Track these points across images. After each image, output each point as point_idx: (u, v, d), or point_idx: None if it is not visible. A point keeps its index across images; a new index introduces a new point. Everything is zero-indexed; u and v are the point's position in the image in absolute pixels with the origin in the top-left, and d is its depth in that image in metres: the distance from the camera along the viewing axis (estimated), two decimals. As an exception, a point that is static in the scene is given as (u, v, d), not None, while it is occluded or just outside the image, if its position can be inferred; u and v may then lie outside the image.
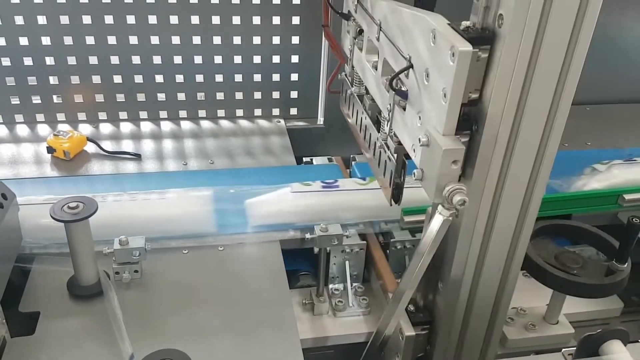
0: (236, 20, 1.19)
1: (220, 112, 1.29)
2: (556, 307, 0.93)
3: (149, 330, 0.79)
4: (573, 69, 0.62)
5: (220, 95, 1.27)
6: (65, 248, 0.81)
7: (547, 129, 0.66)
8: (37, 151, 1.15)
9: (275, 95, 1.30)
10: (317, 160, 1.24)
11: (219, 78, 1.25)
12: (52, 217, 0.75)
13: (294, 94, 1.30)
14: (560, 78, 0.63)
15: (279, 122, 1.31)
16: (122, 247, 0.83)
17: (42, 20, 1.13)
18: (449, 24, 0.63)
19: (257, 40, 1.22)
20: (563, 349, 0.80)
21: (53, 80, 1.19)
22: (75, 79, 1.20)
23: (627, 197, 1.04)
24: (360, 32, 0.94)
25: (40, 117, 1.23)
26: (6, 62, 1.15)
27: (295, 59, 1.26)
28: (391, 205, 0.85)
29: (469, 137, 0.66)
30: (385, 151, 0.84)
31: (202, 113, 1.29)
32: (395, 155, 0.80)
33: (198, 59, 1.22)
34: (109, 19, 1.14)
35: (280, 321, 0.81)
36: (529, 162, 0.68)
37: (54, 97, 1.21)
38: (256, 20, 1.20)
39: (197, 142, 1.22)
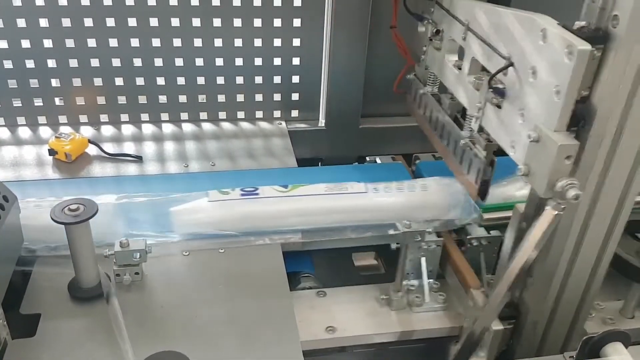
0: (237, 22, 1.19)
1: (222, 114, 1.30)
2: (632, 302, 0.94)
3: (149, 332, 0.79)
4: None
5: (221, 98, 1.27)
6: (66, 250, 0.81)
7: None
8: (38, 153, 1.15)
9: (277, 97, 1.30)
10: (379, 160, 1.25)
11: (220, 80, 1.25)
12: (52, 219, 0.76)
13: (295, 96, 1.30)
14: None
15: (281, 124, 1.31)
16: (123, 249, 0.83)
17: (44, 23, 1.13)
18: (558, 24, 0.66)
19: (258, 42, 1.22)
20: (564, 352, 0.79)
21: (55, 82, 1.20)
22: (77, 82, 1.20)
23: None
24: (437, 32, 0.96)
25: (42, 119, 1.23)
26: (8, 64, 1.16)
27: (296, 61, 1.26)
28: (476, 201, 0.88)
29: (575, 134, 0.67)
30: (471, 148, 0.87)
31: (203, 115, 1.29)
32: (485, 152, 0.83)
33: (199, 61, 1.22)
34: (110, 22, 1.15)
35: (281, 323, 0.81)
36: (629, 161, 0.70)
37: (56, 99, 1.22)
38: (257, 22, 1.20)
39: (198, 144, 1.23)
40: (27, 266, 0.87)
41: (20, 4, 1.10)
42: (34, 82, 1.19)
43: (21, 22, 1.12)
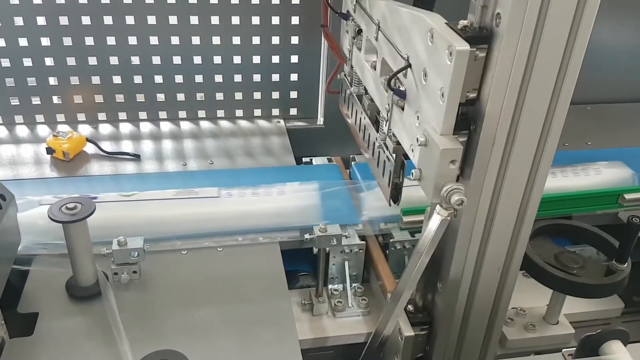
0: (235, 20, 1.19)
1: (220, 113, 1.29)
2: (556, 307, 0.93)
3: (147, 330, 0.79)
4: (571, 68, 0.62)
5: (219, 96, 1.27)
6: (63, 249, 0.81)
7: (545, 129, 0.65)
8: (36, 152, 1.15)
9: (275, 95, 1.30)
10: (316, 161, 1.24)
11: (218, 78, 1.25)
12: (50, 217, 0.75)
13: (293, 94, 1.30)
14: (558, 77, 0.62)
15: (279, 122, 1.31)
16: (121, 248, 0.83)
17: (41, 21, 1.13)
18: (446, 23, 0.63)
19: (256, 40, 1.22)
20: (563, 349, 0.79)
21: (53, 81, 1.19)
22: (74, 80, 1.20)
23: (628, 196, 1.04)
24: (359, 32, 0.94)
25: (39, 117, 1.23)
26: (6, 63, 1.15)
27: (294, 59, 1.25)
28: (390, 205, 0.85)
29: (467, 137, 0.65)
30: (384, 151, 0.84)
31: (201, 113, 1.29)
32: (394, 155, 0.80)
33: (197, 59, 1.22)
34: (108, 20, 1.14)
35: (279, 322, 0.81)
36: (527, 162, 0.67)
37: (54, 97, 1.21)
38: (255, 20, 1.19)
39: (196, 142, 1.22)
40: (24, 265, 0.86)
41: (17, 2, 1.10)
42: (31, 81, 1.18)
43: (19, 21, 1.12)
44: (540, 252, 0.88)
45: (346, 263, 0.97)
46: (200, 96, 1.27)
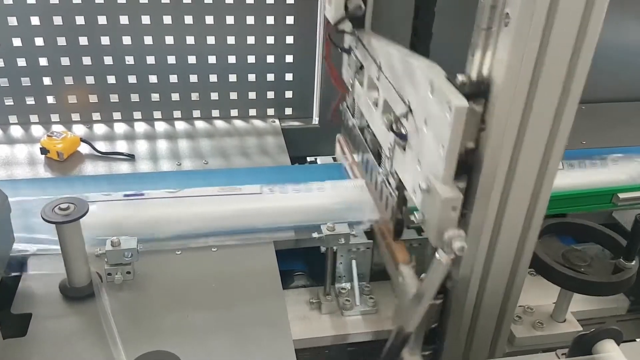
0: (230, 20, 1.19)
1: (215, 112, 1.29)
2: (563, 305, 0.93)
3: (141, 331, 0.78)
4: (565, 117, 0.65)
5: (214, 96, 1.27)
6: (57, 250, 0.81)
7: (542, 168, 0.68)
8: (30, 152, 1.15)
9: (270, 95, 1.30)
10: (321, 160, 1.23)
11: (213, 78, 1.25)
12: (43, 218, 0.75)
13: (288, 94, 1.30)
14: (553, 125, 0.65)
15: (274, 122, 1.31)
16: (114, 248, 0.83)
17: (35, 20, 1.13)
18: (446, 77, 0.65)
19: (251, 40, 1.22)
20: (557, 349, 0.79)
21: (47, 81, 1.19)
22: (69, 80, 1.20)
23: (622, 195, 1.04)
24: (361, 67, 0.95)
25: (34, 118, 1.23)
26: (-1, 63, 1.15)
27: (289, 58, 1.25)
28: (394, 240, 0.87)
29: (467, 180, 0.68)
30: (386, 186, 0.87)
31: (196, 113, 1.29)
32: (397, 192, 0.83)
33: (192, 59, 1.22)
34: (102, 20, 1.14)
35: (273, 322, 0.81)
36: (524, 206, 0.70)
37: (48, 97, 1.21)
38: (250, 20, 1.19)
39: (191, 142, 1.22)
40: (18, 266, 0.86)
41: (11, 2, 1.10)
42: (25, 81, 1.18)
43: (12, 20, 1.12)
44: (548, 251, 0.88)
45: (353, 262, 0.97)
46: (195, 96, 1.27)
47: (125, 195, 0.95)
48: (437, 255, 0.67)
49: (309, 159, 1.24)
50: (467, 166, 0.66)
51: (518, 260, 0.76)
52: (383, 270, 0.96)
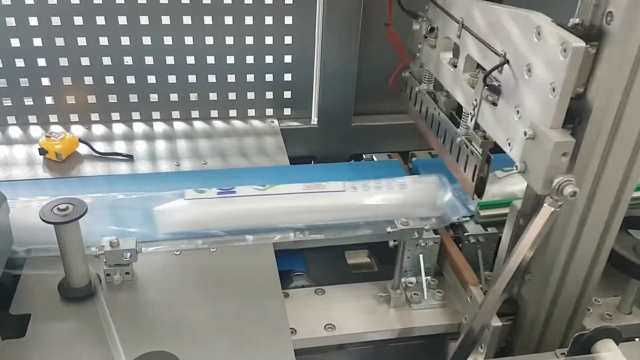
0: (228, 20, 1.18)
1: (214, 113, 1.29)
2: (630, 298, 0.94)
3: (140, 332, 0.78)
4: None
5: (213, 96, 1.27)
6: (56, 250, 0.81)
7: None
8: (29, 153, 1.14)
9: (269, 95, 1.29)
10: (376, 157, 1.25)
11: (211, 78, 1.25)
12: (41, 219, 0.75)
13: (287, 94, 1.30)
14: None
15: (273, 122, 1.31)
16: (113, 249, 0.83)
17: (33, 21, 1.12)
18: (553, 21, 0.66)
19: (249, 40, 1.21)
20: (556, 349, 0.79)
21: (45, 81, 1.19)
22: (67, 80, 1.19)
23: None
24: (431, 30, 0.97)
25: (32, 118, 1.22)
26: (-2, 63, 1.15)
27: (288, 59, 1.25)
28: (473, 199, 0.89)
29: (571, 131, 0.67)
30: (467, 146, 0.87)
31: (195, 114, 1.28)
32: (481, 149, 0.83)
33: (190, 59, 1.21)
34: (100, 20, 1.14)
35: (272, 322, 0.81)
36: (625, 158, 0.71)
37: (46, 98, 1.21)
38: (248, 20, 1.19)
39: (190, 142, 1.22)
40: (17, 266, 0.86)
41: (9, 3, 1.09)
42: (24, 81, 1.18)
43: (10, 21, 1.12)
44: (620, 243, 0.88)
45: (421, 256, 0.97)
46: (193, 96, 1.26)
47: (219, 193, 0.98)
48: (544, 204, 0.67)
49: (364, 156, 1.26)
50: (572, 114, 0.66)
51: (599, 251, 0.77)
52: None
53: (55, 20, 1.13)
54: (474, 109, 0.83)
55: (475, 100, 0.82)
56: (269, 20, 1.20)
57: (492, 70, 0.76)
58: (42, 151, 1.12)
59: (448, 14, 0.90)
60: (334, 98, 1.28)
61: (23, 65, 1.16)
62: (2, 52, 1.14)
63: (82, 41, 1.15)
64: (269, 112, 1.32)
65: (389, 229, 0.92)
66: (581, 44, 0.61)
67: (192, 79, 1.24)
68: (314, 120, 1.33)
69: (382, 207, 0.99)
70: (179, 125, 1.27)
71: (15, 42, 1.13)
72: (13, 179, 1.07)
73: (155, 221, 0.93)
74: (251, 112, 1.31)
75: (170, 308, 0.82)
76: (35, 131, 1.21)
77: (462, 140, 0.89)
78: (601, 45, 0.64)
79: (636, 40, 0.62)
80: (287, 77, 1.28)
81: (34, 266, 0.87)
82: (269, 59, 1.25)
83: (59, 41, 1.15)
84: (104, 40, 1.16)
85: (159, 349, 0.67)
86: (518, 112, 0.72)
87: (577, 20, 0.65)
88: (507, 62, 0.73)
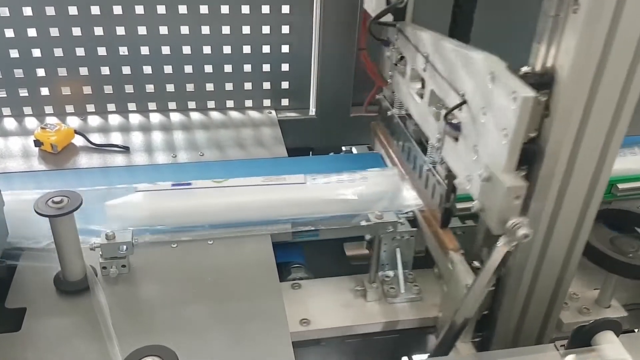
0: (225, 9, 1.17)
1: (210, 104, 1.28)
2: (608, 291, 0.93)
3: (136, 325, 0.78)
4: (628, 105, 0.66)
5: (210, 86, 1.26)
6: (51, 243, 0.80)
7: (600, 164, 0.70)
8: (24, 144, 1.13)
9: (266, 85, 1.28)
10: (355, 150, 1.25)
11: (208, 69, 1.23)
12: (36, 211, 0.74)
13: (285, 85, 1.29)
14: (615, 113, 0.66)
15: (270, 113, 1.30)
16: (109, 242, 0.82)
17: (27, 11, 1.11)
18: (507, 67, 0.66)
19: (246, 29, 1.20)
20: (556, 341, 0.79)
21: (40, 72, 1.18)
22: (62, 71, 1.18)
23: (621, 186, 1.04)
24: (401, 59, 0.97)
25: (27, 110, 1.21)
26: (-8, 54, 1.14)
27: (285, 48, 1.24)
28: (442, 228, 0.88)
29: (527, 171, 0.68)
30: (433, 175, 0.88)
31: (191, 104, 1.27)
32: (446, 181, 0.83)
33: (187, 50, 1.20)
34: (95, 10, 1.13)
35: (271, 315, 0.80)
36: (581, 197, 0.72)
37: (41, 89, 1.20)
38: (245, 9, 1.18)
39: (186, 134, 1.21)
40: (12, 259, 0.85)
41: (2, -7, 1.08)
42: (18, 72, 1.17)
43: (4, 11, 1.10)
44: (597, 237, 0.88)
45: (397, 250, 0.97)
46: (190, 87, 1.25)
47: (173, 185, 0.96)
48: (498, 244, 0.67)
49: (343, 148, 1.26)
50: (527, 155, 0.67)
51: (572, 247, 0.77)
52: (422, 258, 0.97)
53: (50, 10, 1.12)
54: (438, 142, 0.83)
55: (440, 134, 0.82)
56: (265, 9, 1.19)
57: (452, 109, 0.76)
58: (38, 143, 1.11)
59: (414, 46, 0.90)
60: (333, 89, 1.27)
61: (17, 55, 1.15)
62: (-3, 42, 1.13)
63: (77, 31, 1.14)
64: (267, 102, 1.31)
65: (363, 223, 0.92)
66: (530, 94, 0.61)
67: (188, 69, 1.23)
68: (312, 111, 1.32)
69: (344, 201, 0.97)
70: (176, 117, 1.26)
71: (9, 33, 1.12)
72: (8, 171, 1.06)
73: (107, 216, 0.90)
74: (248, 103, 1.30)
75: (166, 301, 0.81)
76: (31, 122, 1.20)
77: (429, 168, 0.90)
78: (552, 92, 0.64)
79: (586, 84, 0.63)
80: (285, 67, 1.26)
81: (29, 259, 0.86)
82: (266, 49, 1.23)
83: (54, 31, 1.14)
84: (99, 30, 1.15)
85: (156, 343, 0.66)
86: (476, 151, 0.72)
87: (527, 69, 0.66)
88: (465, 102, 0.74)
